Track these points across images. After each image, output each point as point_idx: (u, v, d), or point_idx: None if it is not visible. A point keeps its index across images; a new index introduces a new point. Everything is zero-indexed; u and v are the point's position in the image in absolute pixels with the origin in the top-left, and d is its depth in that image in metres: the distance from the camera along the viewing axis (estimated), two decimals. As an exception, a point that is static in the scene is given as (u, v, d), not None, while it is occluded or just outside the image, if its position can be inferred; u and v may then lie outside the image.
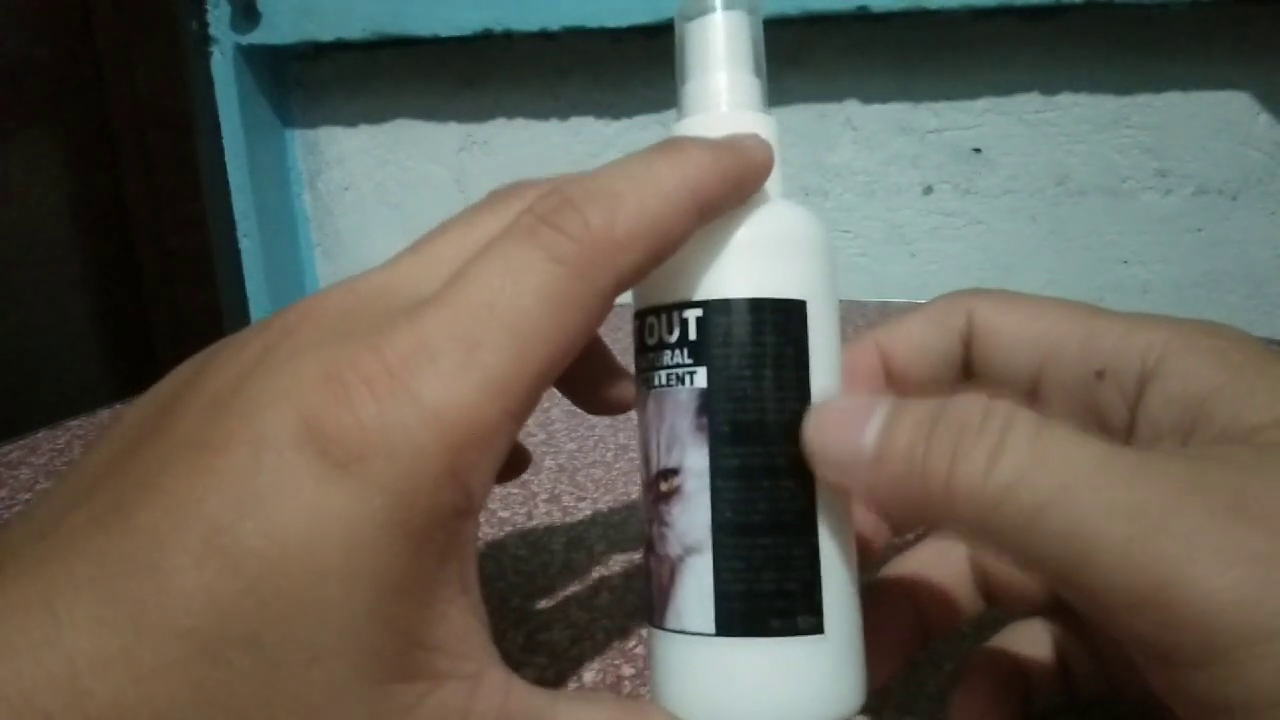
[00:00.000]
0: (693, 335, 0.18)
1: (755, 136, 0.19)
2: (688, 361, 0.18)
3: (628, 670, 0.23)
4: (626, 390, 0.23)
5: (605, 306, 0.16)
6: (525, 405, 0.15)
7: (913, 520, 0.20)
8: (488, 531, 0.32)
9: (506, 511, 0.33)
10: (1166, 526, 0.14)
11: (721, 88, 0.19)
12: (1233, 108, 0.88)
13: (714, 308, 0.18)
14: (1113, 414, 0.19)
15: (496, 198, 0.19)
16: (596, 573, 0.29)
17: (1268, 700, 0.13)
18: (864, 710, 0.21)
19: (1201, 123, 0.89)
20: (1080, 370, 0.19)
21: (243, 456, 0.13)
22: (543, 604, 0.27)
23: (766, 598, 0.17)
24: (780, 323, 0.18)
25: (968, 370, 0.21)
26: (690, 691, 0.18)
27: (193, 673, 0.13)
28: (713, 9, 0.20)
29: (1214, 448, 0.16)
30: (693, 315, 0.18)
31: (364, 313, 0.16)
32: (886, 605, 0.21)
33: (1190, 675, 0.14)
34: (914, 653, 0.22)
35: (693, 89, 0.20)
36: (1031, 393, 0.20)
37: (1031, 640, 0.21)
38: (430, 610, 0.15)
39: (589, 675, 0.23)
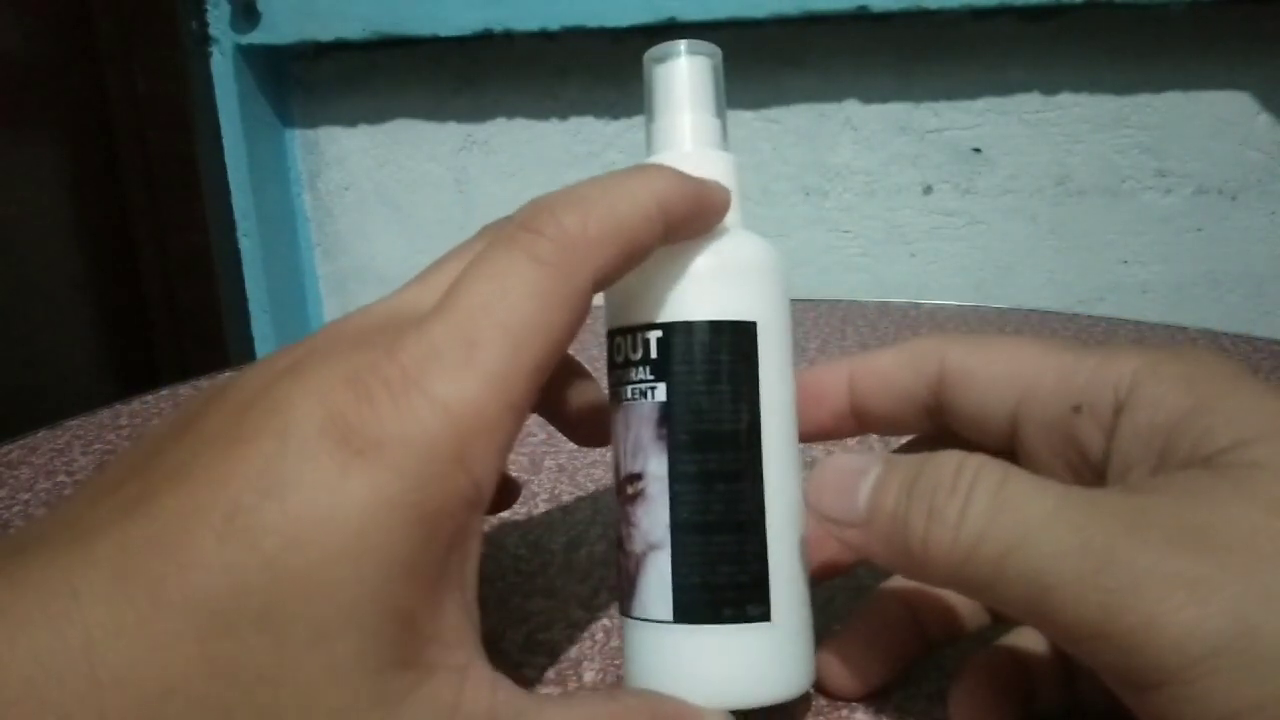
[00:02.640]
0: (654, 354, 0.20)
1: (717, 183, 0.20)
2: (650, 378, 0.20)
3: (628, 670, 0.23)
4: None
5: (586, 302, 0.17)
6: (524, 397, 0.16)
7: (906, 577, 0.21)
8: (488, 531, 0.32)
9: (506, 511, 0.33)
10: (1112, 561, 0.15)
11: (686, 128, 0.21)
12: (1233, 108, 0.88)
13: (672, 329, 0.20)
14: (1092, 447, 0.19)
15: (486, 231, 0.20)
16: (596, 573, 0.29)
17: (1220, 714, 0.14)
18: (864, 709, 0.21)
19: (1201, 123, 0.89)
20: (1057, 406, 0.20)
21: (268, 445, 0.14)
22: (543, 604, 0.27)
23: (719, 589, 0.19)
24: (732, 342, 0.20)
25: (936, 414, 0.22)
26: (652, 673, 0.20)
27: (205, 646, 0.13)
28: (678, 55, 0.22)
29: (1171, 476, 0.17)
30: (654, 336, 0.20)
31: (379, 329, 0.17)
32: (885, 613, 0.22)
33: (1151, 697, 0.15)
34: (911, 661, 0.22)
35: (660, 128, 0.22)
36: (1010, 433, 0.21)
37: (1034, 640, 0.21)
38: (432, 598, 0.15)
39: (589, 675, 0.23)
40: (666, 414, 0.19)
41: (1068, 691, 0.20)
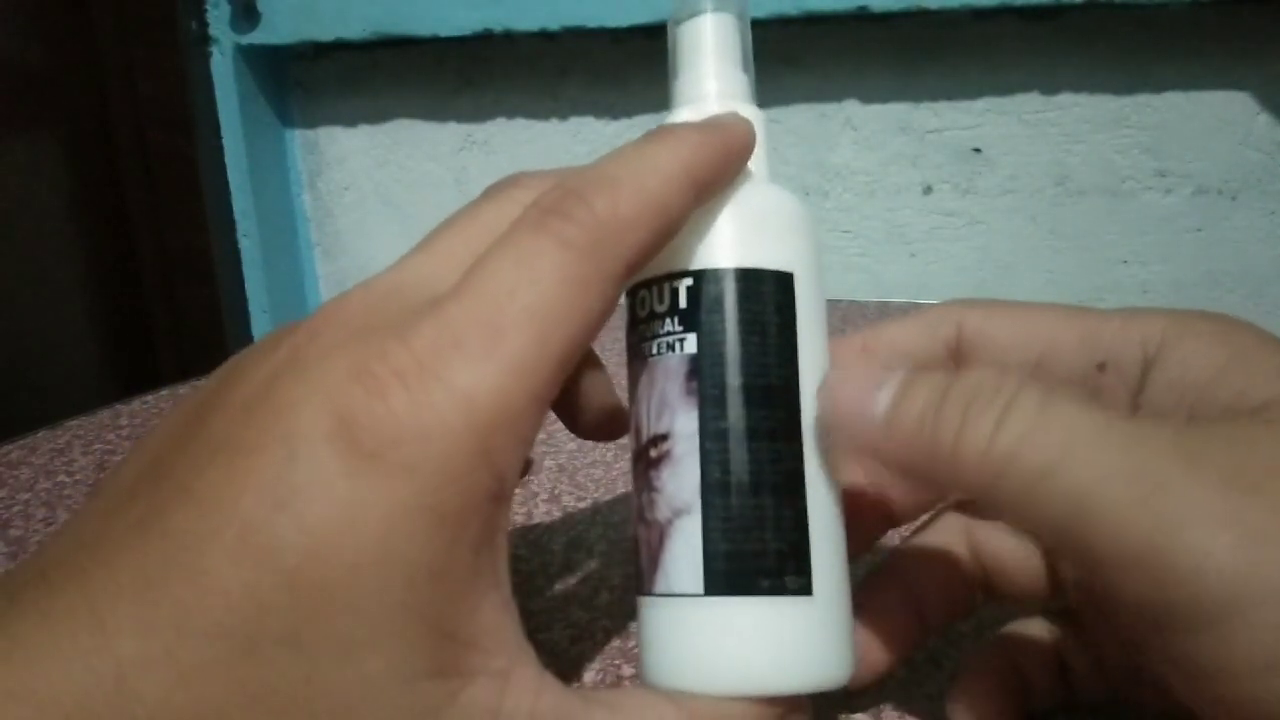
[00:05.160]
0: (683, 304, 0.18)
1: (734, 114, 0.19)
2: (678, 329, 0.18)
3: (628, 670, 0.23)
4: (621, 416, 0.22)
5: (617, 288, 0.17)
6: (549, 388, 0.16)
7: (922, 483, 0.20)
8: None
9: (506, 511, 0.33)
10: (1163, 490, 0.14)
11: (710, 80, 0.20)
12: (1233, 108, 0.88)
13: (704, 277, 0.18)
14: (1116, 405, 0.19)
15: (495, 190, 0.19)
16: (596, 573, 0.29)
17: (1254, 666, 0.13)
18: (863, 710, 0.21)
19: (1201, 123, 0.89)
20: (1080, 364, 0.19)
21: (276, 455, 0.14)
22: (543, 604, 0.27)
23: (754, 557, 0.17)
24: (768, 291, 0.18)
25: None
26: (678, 654, 0.17)
27: (235, 672, 0.13)
28: (702, 11, 0.20)
29: (1218, 423, 0.16)
30: (683, 285, 0.18)
31: (385, 310, 0.16)
32: (885, 593, 0.21)
33: (1181, 640, 0.14)
34: (913, 642, 0.22)
35: (682, 83, 0.21)
36: None
37: (1031, 640, 0.21)
38: (464, 602, 0.15)
39: (589, 675, 0.23)
40: (696, 366, 0.18)
41: (1063, 686, 0.20)
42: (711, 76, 0.20)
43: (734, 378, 0.18)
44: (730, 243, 0.19)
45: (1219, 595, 0.13)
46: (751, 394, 0.18)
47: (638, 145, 0.18)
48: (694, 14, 0.20)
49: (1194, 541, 0.13)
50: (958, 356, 0.21)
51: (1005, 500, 0.15)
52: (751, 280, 0.18)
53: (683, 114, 0.20)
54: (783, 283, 0.19)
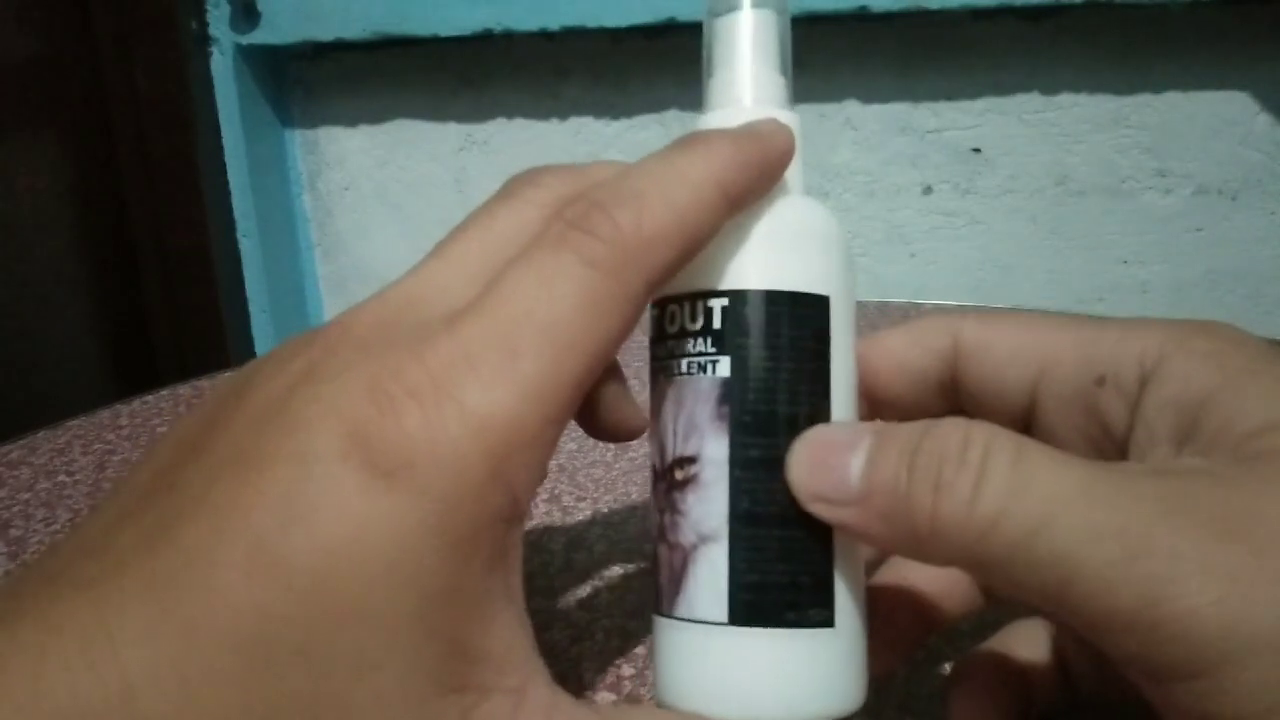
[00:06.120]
0: (717, 324, 0.18)
1: (773, 121, 0.19)
2: (710, 350, 0.18)
3: (628, 670, 0.23)
4: (636, 417, 0.22)
5: (639, 307, 0.16)
6: (565, 410, 0.15)
7: (906, 555, 0.20)
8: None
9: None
10: (1150, 548, 0.14)
11: (746, 83, 0.20)
12: (1233, 108, 0.88)
13: (740, 298, 0.18)
14: (1115, 420, 0.19)
15: (510, 190, 0.19)
16: (596, 573, 0.29)
17: (1252, 713, 0.13)
18: (864, 709, 0.21)
19: (1201, 123, 0.89)
20: (1079, 379, 0.19)
21: (288, 470, 0.14)
22: (543, 604, 0.27)
23: (780, 589, 0.17)
24: (805, 316, 0.18)
25: (949, 392, 0.21)
26: (699, 680, 0.17)
27: (244, 685, 0.13)
28: (740, 6, 0.20)
29: (1199, 461, 0.16)
30: (718, 304, 0.18)
31: (401, 324, 0.16)
32: (887, 597, 0.21)
33: (1179, 690, 0.14)
34: (914, 646, 0.21)
35: (717, 83, 0.20)
36: (1029, 408, 0.20)
37: (1031, 640, 0.21)
38: (477, 620, 0.15)
39: (589, 675, 0.23)
40: (729, 391, 0.17)
41: (1065, 690, 0.20)
42: (748, 80, 0.19)
43: (767, 405, 0.17)
44: (768, 263, 0.18)
45: (1212, 649, 0.13)
46: (784, 422, 0.17)
47: (667, 155, 0.17)
48: (731, 9, 0.20)
49: (1184, 599, 0.13)
50: (955, 369, 0.21)
51: (989, 567, 0.15)
52: (788, 304, 0.18)
53: (716, 118, 0.19)
54: (819, 306, 0.18)
